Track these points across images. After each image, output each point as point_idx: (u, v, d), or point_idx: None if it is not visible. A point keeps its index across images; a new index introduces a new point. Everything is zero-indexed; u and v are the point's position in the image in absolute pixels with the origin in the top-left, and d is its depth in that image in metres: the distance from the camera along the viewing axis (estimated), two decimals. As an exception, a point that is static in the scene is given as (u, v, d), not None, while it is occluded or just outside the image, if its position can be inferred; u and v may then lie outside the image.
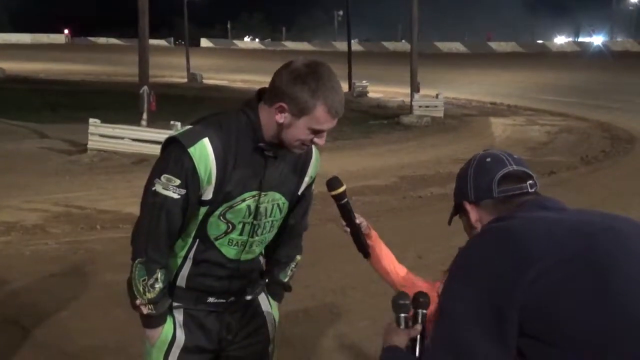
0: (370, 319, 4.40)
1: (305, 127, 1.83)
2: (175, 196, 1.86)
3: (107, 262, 5.54)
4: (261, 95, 1.92)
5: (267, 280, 2.23)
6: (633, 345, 1.25)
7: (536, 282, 1.30)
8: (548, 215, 1.47)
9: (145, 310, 1.98)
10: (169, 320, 2.04)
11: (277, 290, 2.27)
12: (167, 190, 1.86)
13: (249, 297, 2.13)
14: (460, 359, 1.37)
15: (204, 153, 1.84)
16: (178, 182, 1.86)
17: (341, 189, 1.80)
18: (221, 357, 2.16)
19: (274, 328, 2.25)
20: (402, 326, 1.71)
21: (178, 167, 1.85)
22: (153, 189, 1.88)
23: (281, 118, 1.83)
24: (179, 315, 2.05)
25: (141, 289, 1.95)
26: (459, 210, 1.67)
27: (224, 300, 2.08)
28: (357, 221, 1.88)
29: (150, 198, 1.90)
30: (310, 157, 2.09)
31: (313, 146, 1.99)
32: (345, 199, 1.82)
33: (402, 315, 1.70)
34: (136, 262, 1.94)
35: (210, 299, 2.06)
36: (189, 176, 1.85)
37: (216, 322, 2.09)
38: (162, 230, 1.90)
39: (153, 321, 2.01)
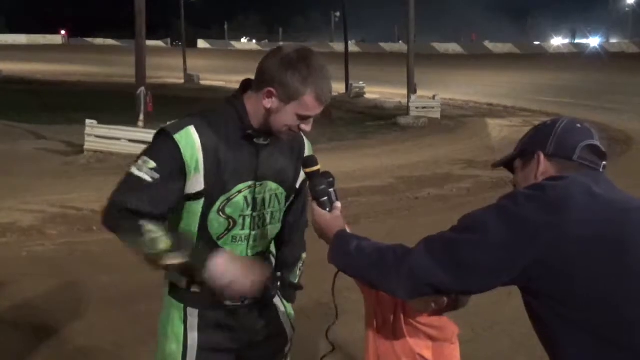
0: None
1: (293, 112, 1.84)
2: (148, 179, 1.82)
3: (104, 264, 5.54)
4: (245, 86, 1.95)
5: (278, 283, 2.21)
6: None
7: (562, 242, 1.41)
8: (593, 187, 1.51)
9: (172, 260, 1.80)
10: (180, 323, 2.03)
11: (289, 292, 2.27)
12: (140, 171, 1.83)
13: (264, 297, 2.10)
14: (450, 265, 1.49)
15: (190, 139, 1.84)
16: (153, 165, 1.82)
17: (315, 167, 1.86)
18: (242, 357, 2.15)
19: (292, 328, 2.27)
20: (328, 208, 1.82)
21: (159, 152, 1.85)
22: (129, 170, 1.86)
23: (268, 103, 1.84)
24: (193, 319, 2.03)
25: (147, 250, 1.80)
26: (523, 157, 1.68)
27: (240, 303, 2.06)
28: (338, 204, 1.89)
29: (123, 178, 1.87)
30: (304, 143, 2.10)
31: (302, 133, 1.99)
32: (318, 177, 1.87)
33: (325, 198, 1.82)
34: (118, 235, 1.85)
35: (226, 301, 2.03)
36: (169, 161, 1.83)
37: (234, 323, 2.07)
38: (126, 199, 1.82)
39: (191, 261, 1.82)
